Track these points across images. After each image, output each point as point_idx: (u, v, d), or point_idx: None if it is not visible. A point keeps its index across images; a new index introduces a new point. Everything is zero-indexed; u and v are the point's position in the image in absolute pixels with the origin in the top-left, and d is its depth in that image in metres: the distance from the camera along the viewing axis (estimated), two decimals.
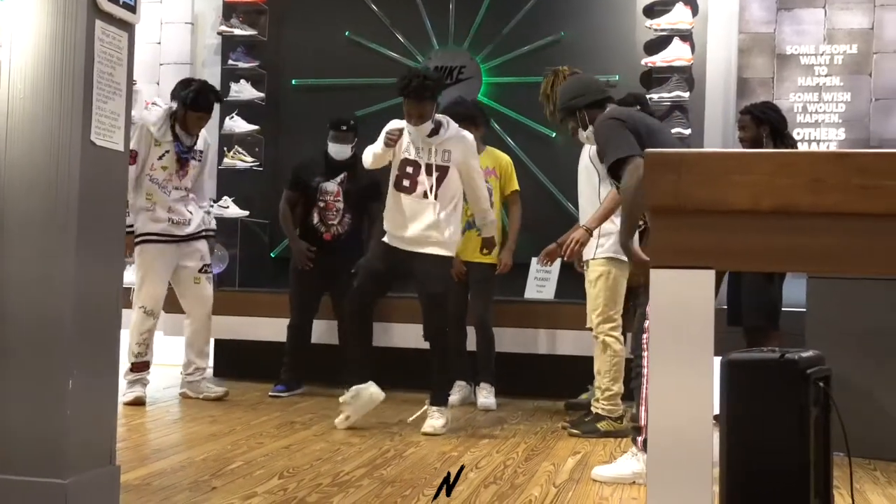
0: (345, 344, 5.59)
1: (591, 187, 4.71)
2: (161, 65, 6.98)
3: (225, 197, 6.59)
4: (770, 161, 1.53)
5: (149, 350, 5.07)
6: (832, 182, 1.48)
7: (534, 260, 5.95)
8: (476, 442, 4.26)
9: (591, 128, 3.93)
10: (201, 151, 5.26)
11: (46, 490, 2.48)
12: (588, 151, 4.61)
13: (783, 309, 4.83)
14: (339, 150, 5.55)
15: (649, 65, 6.07)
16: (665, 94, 5.99)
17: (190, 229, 5.18)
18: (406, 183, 4.59)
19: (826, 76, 5.99)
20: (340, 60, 6.71)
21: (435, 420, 4.46)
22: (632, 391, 3.76)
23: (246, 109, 6.74)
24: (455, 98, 5.14)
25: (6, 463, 2.53)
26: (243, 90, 6.75)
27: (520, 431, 4.58)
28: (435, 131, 4.60)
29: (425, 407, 4.56)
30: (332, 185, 5.59)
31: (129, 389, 4.98)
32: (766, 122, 4.82)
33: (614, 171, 3.55)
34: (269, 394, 5.47)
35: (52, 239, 2.55)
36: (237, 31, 6.75)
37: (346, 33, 6.71)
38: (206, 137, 5.36)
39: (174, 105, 5.15)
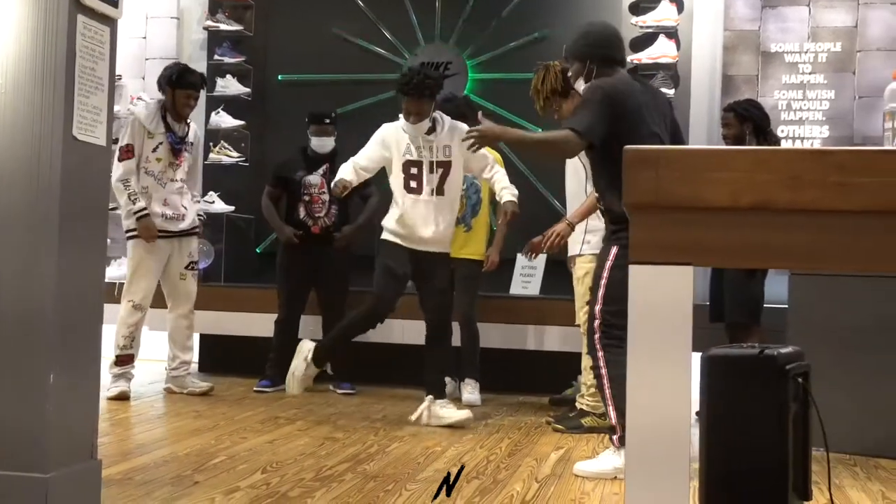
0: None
1: (578, 182, 4.72)
2: (147, 59, 6.96)
3: (210, 192, 6.57)
4: (749, 158, 1.54)
5: (134, 344, 5.07)
6: (810, 179, 1.49)
7: (519, 256, 5.96)
8: (459, 437, 4.27)
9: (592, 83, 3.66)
10: (192, 143, 5.27)
11: (27, 485, 2.47)
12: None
13: (765, 305, 4.86)
14: (321, 144, 5.56)
15: (635, 61, 6.08)
16: None
17: (184, 225, 5.19)
18: (413, 184, 4.62)
19: (810, 74, 6.02)
20: (327, 56, 6.71)
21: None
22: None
23: (232, 105, 6.73)
24: (446, 94, 5.15)
25: None
26: (229, 85, 6.73)
27: (503, 427, 4.59)
28: (432, 129, 4.62)
29: (426, 403, 4.57)
30: (315, 178, 5.59)
31: (113, 384, 4.97)
32: (749, 120, 4.85)
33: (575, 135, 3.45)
34: (254, 389, 5.47)
35: (33, 234, 2.54)
36: (223, 26, 6.73)
37: (333, 29, 6.71)
38: (196, 130, 5.37)
39: (163, 98, 5.16)
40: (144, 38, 6.97)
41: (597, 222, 4.42)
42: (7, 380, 2.54)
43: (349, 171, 4.71)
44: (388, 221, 4.66)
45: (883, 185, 1.48)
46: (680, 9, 6.09)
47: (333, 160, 5.56)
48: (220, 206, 6.54)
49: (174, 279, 5.20)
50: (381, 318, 4.63)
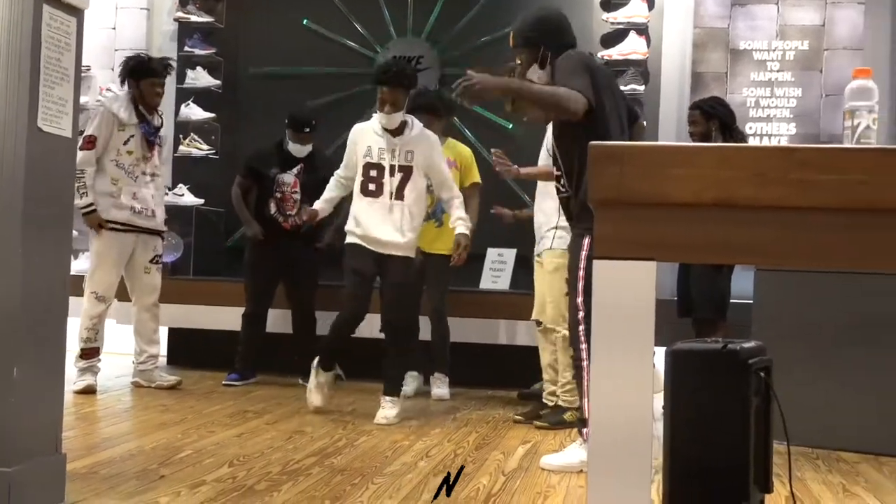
0: (299, 335, 5.59)
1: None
2: (116, 50, 6.88)
3: (180, 185, 6.54)
4: (713, 155, 1.56)
5: (98, 336, 5.02)
6: (773, 176, 1.51)
7: (490, 250, 5.98)
8: (428, 431, 4.28)
9: (547, 69, 3.61)
10: (163, 136, 5.22)
11: None
12: (546, 142, 4.58)
13: (732, 301, 4.90)
14: (298, 149, 5.54)
15: (605, 58, 6.11)
16: (621, 87, 6.02)
17: (154, 224, 5.14)
18: (372, 187, 4.58)
19: (778, 71, 6.08)
20: (298, 49, 6.69)
21: (388, 410, 4.47)
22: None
23: (202, 97, 6.69)
24: (418, 88, 5.15)
25: None
26: (199, 77, 6.69)
27: (472, 421, 4.61)
28: (399, 131, 4.60)
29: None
30: (288, 177, 5.56)
31: (79, 378, 4.93)
32: (715, 117, 4.88)
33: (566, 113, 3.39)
34: (223, 383, 5.45)
35: None
36: (194, 18, 6.69)
37: (304, 21, 6.68)
38: (163, 122, 5.31)
39: (131, 90, 5.09)
40: (114, 28, 6.90)
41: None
42: None
43: (331, 188, 4.75)
44: (349, 223, 4.65)
45: (844, 182, 1.50)
46: (650, 5, 6.13)
47: (310, 161, 5.54)
48: (189, 198, 6.50)
49: (138, 272, 5.15)
50: (359, 317, 4.58)
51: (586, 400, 3.51)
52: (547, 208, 4.65)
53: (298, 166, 5.57)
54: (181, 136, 6.69)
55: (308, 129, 5.50)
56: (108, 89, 6.58)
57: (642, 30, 6.12)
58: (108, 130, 4.96)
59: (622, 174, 1.60)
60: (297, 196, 5.57)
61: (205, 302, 6.02)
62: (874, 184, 1.49)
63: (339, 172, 4.76)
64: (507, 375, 5.67)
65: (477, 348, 5.71)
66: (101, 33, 6.79)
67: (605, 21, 6.14)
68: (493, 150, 4.80)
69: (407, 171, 4.59)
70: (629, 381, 1.57)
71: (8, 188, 2.51)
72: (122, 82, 5.16)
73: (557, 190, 3.69)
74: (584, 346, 3.52)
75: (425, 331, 5.42)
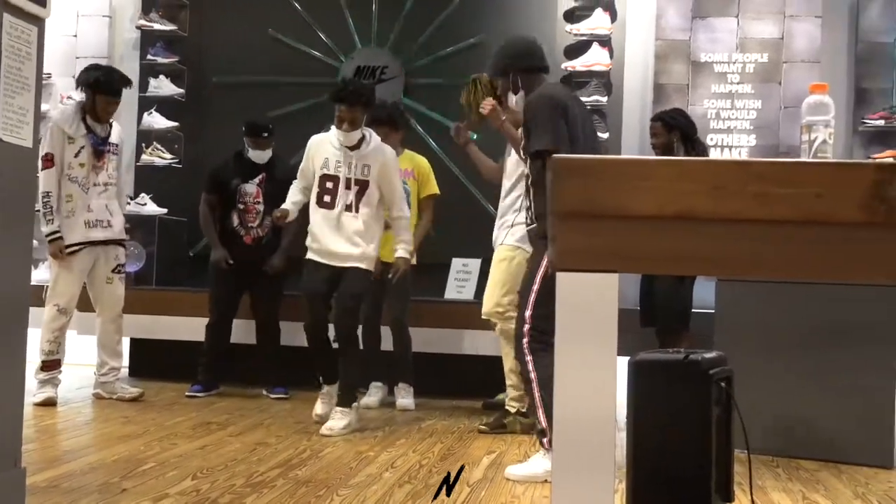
0: (263, 345, 5.57)
1: (512, 182, 4.75)
2: (77, 58, 6.82)
3: (143, 194, 6.49)
4: (673, 168, 1.58)
5: (60, 348, 4.98)
6: (731, 189, 1.53)
7: (454, 260, 5.99)
8: (393, 441, 4.27)
9: (521, 93, 3.74)
10: (116, 144, 5.16)
11: None
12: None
13: (694, 310, 4.96)
14: (258, 156, 5.53)
15: (569, 69, 6.17)
16: (584, 99, 6.07)
17: (111, 234, 5.09)
18: (327, 199, 4.60)
19: (738, 84, 6.17)
20: (262, 58, 6.67)
21: (334, 421, 4.45)
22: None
23: (165, 105, 6.65)
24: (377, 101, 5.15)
25: None
26: (162, 86, 6.65)
27: (437, 431, 4.61)
28: (357, 145, 4.61)
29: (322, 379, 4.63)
30: (251, 187, 5.54)
31: (39, 390, 4.87)
32: (676, 128, 4.94)
33: (536, 154, 3.52)
34: (186, 394, 5.41)
35: None
36: (157, 26, 6.65)
37: (269, 31, 6.67)
38: (121, 132, 5.26)
39: (82, 100, 5.04)
40: (75, 36, 6.85)
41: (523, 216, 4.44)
42: None
43: (294, 193, 4.75)
44: (308, 238, 4.67)
45: (800, 195, 1.53)
46: (613, 18, 6.19)
47: (270, 169, 5.53)
48: (152, 207, 6.45)
49: (100, 284, 5.10)
50: (319, 338, 4.60)
51: (540, 411, 3.54)
52: (504, 207, 4.71)
53: (260, 175, 5.56)
54: (143, 144, 6.64)
55: (266, 134, 5.50)
56: (69, 97, 6.53)
57: (605, 41, 6.18)
58: (60, 145, 4.92)
59: (585, 187, 1.62)
60: (261, 206, 5.55)
61: (168, 312, 5.97)
62: (830, 197, 1.52)
63: (296, 182, 4.77)
64: (471, 385, 5.67)
65: (442, 358, 5.71)
66: (62, 41, 6.73)
67: (569, 32, 6.19)
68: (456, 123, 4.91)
69: (363, 185, 4.61)
70: (593, 392, 1.58)
71: None
72: (78, 87, 5.11)
73: (525, 222, 3.78)
74: (529, 358, 3.55)
75: (388, 341, 5.42)
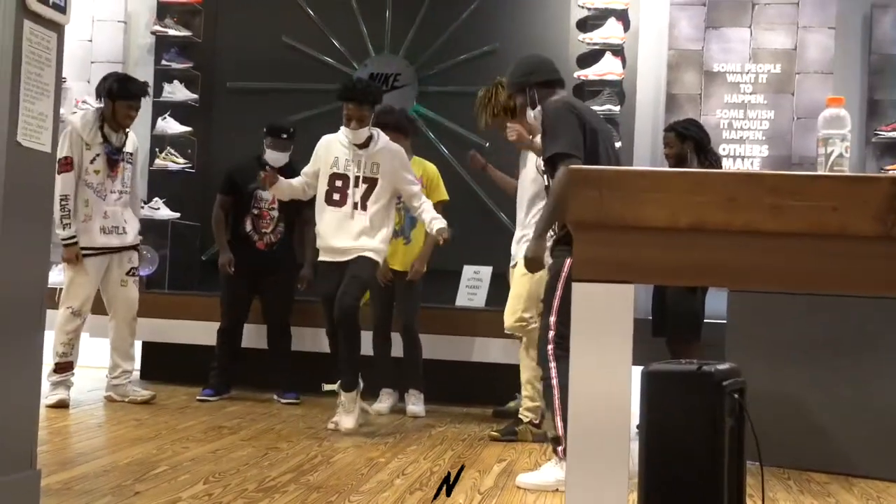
0: (275, 350, 5.59)
1: (536, 191, 4.73)
2: (92, 63, 6.87)
3: (156, 198, 6.52)
4: (687, 180, 1.59)
5: (73, 351, 5.01)
6: (745, 201, 1.54)
7: (465, 268, 6.00)
8: (403, 448, 4.28)
9: (539, 108, 3.80)
10: (131, 154, 5.20)
11: None
12: (536, 161, 4.56)
13: (706, 321, 4.95)
14: (276, 158, 5.51)
15: (581, 78, 6.18)
16: (596, 108, 6.08)
17: (127, 240, 5.13)
18: (336, 197, 4.65)
19: (751, 94, 6.17)
20: (275, 64, 6.70)
21: (344, 418, 4.51)
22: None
23: (179, 111, 6.69)
24: (384, 107, 5.19)
25: None
26: (176, 91, 6.69)
27: (447, 438, 4.62)
28: (365, 144, 4.64)
29: (339, 383, 4.61)
30: (267, 193, 5.56)
31: (52, 392, 4.90)
32: (689, 139, 4.93)
33: (552, 161, 3.55)
34: (197, 398, 5.43)
35: None
36: (171, 32, 6.69)
37: (283, 37, 6.70)
38: (135, 140, 5.30)
39: (101, 107, 5.08)
40: (90, 41, 6.89)
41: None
42: None
43: (298, 180, 4.81)
44: (318, 239, 4.71)
45: (813, 208, 1.54)
46: (626, 27, 6.21)
47: (288, 175, 5.54)
48: (165, 212, 6.49)
49: (114, 286, 5.13)
50: (336, 336, 4.61)
51: (558, 418, 3.53)
52: (523, 221, 4.67)
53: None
54: (157, 149, 6.68)
55: (286, 136, 5.52)
56: (84, 101, 6.58)
57: (618, 51, 6.20)
58: (78, 149, 4.96)
59: (601, 198, 1.63)
60: (275, 213, 5.58)
61: (179, 316, 6.00)
62: (845, 210, 1.53)
63: (304, 170, 4.83)
64: (482, 393, 5.68)
65: (452, 365, 5.72)
66: (77, 45, 6.77)
67: (582, 42, 6.21)
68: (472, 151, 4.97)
69: (371, 183, 4.65)
70: (608, 401, 1.59)
71: None
72: (98, 97, 5.15)
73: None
74: (553, 364, 3.55)
75: (398, 348, 5.43)
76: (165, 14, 6.73)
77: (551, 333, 3.55)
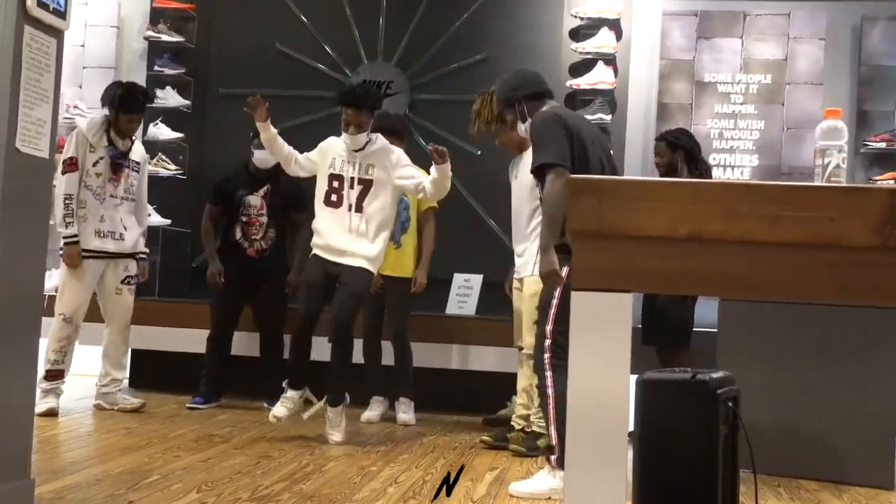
0: (267, 358, 5.57)
1: (533, 203, 4.73)
2: (84, 68, 6.86)
3: (146, 204, 6.49)
4: (686, 190, 1.60)
5: (66, 359, 4.98)
6: (743, 211, 1.56)
7: (456, 276, 6.01)
8: (395, 457, 4.28)
9: (529, 121, 3.83)
10: (138, 163, 5.21)
11: None
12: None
13: (696, 329, 4.97)
14: (263, 158, 5.49)
15: (574, 87, 6.21)
16: (588, 116, 6.11)
17: (125, 247, 5.12)
18: (334, 198, 4.68)
19: (741, 104, 6.21)
20: (268, 71, 6.70)
21: (332, 431, 4.56)
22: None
23: (171, 116, 6.68)
24: (381, 111, 5.19)
25: None
26: (168, 97, 6.68)
27: (438, 446, 4.62)
28: (362, 148, 4.67)
29: (320, 403, 4.63)
30: (255, 199, 5.56)
31: (42, 399, 4.86)
32: (680, 148, 4.96)
33: (540, 172, 3.59)
34: (187, 406, 5.41)
35: None
36: (164, 37, 6.69)
37: (276, 44, 6.70)
38: (143, 150, 5.31)
39: (108, 114, 5.10)
40: (83, 46, 6.87)
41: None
42: None
43: (292, 150, 4.80)
44: (314, 238, 4.73)
45: (810, 219, 1.55)
46: (618, 37, 6.24)
47: (276, 180, 5.54)
48: (156, 218, 6.46)
49: (109, 294, 5.13)
50: (307, 327, 4.60)
51: (552, 427, 3.54)
52: (521, 234, 4.64)
53: (265, 187, 5.58)
54: (149, 155, 6.65)
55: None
56: (75, 107, 6.57)
57: (610, 60, 6.23)
58: (82, 151, 4.97)
59: (600, 207, 1.64)
60: (264, 219, 5.57)
61: (169, 323, 5.99)
62: (843, 221, 1.54)
63: (304, 154, 4.82)
64: (472, 401, 5.69)
65: (443, 373, 5.73)
66: (69, 50, 6.71)
67: (575, 51, 6.23)
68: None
69: (367, 184, 4.67)
70: (606, 408, 1.60)
71: None
72: (103, 105, 5.16)
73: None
74: (549, 373, 3.56)
75: (388, 356, 5.43)
76: (159, 19, 6.72)
77: (547, 342, 3.56)
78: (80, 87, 6.84)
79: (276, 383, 5.51)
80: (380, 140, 4.77)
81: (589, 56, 6.22)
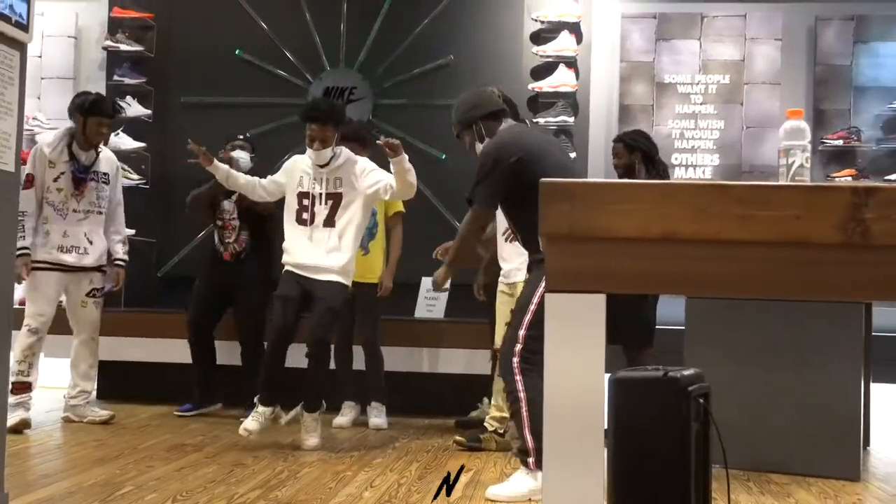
0: (248, 366, 5.54)
1: None
2: (42, 79, 6.79)
3: (121, 213, 6.44)
4: (657, 191, 1.64)
5: (32, 370, 4.92)
6: (713, 211, 1.60)
7: (424, 279, 6.03)
8: (369, 461, 4.29)
9: (487, 140, 3.89)
10: (106, 173, 5.16)
11: None
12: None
13: (662, 326, 5.02)
14: (239, 156, 5.47)
15: (536, 90, 6.26)
16: (551, 119, 6.18)
17: (87, 261, 5.08)
18: (304, 216, 4.69)
19: (701, 104, 6.30)
20: (230, 78, 6.67)
21: (307, 437, 4.59)
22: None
23: (132, 126, 6.62)
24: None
25: None
26: (129, 106, 6.62)
27: (412, 450, 4.64)
28: (328, 163, 4.67)
29: (297, 408, 4.64)
30: (229, 204, 5.55)
31: (11, 413, 4.80)
32: (637, 149, 4.99)
33: (469, 200, 3.80)
34: (175, 413, 5.42)
35: None
36: (123, 47, 6.63)
37: (237, 51, 6.68)
38: (114, 159, 5.27)
39: (72, 126, 5.05)
40: (40, 56, 6.80)
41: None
42: None
43: (252, 178, 4.86)
44: (284, 255, 4.74)
45: (778, 217, 1.60)
46: (579, 40, 6.30)
47: None
48: None
49: (75, 307, 5.10)
50: (282, 343, 4.60)
51: (526, 430, 3.56)
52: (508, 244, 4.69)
53: (237, 192, 5.56)
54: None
55: (241, 137, 5.60)
56: (34, 118, 6.50)
57: (571, 63, 6.29)
58: (41, 167, 4.94)
59: (572, 210, 1.67)
60: (237, 223, 5.57)
61: (136, 334, 5.95)
62: (808, 219, 1.59)
63: (269, 177, 4.85)
64: (443, 403, 5.70)
65: (413, 377, 5.74)
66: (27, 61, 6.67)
67: (536, 54, 6.29)
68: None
69: (336, 198, 4.67)
70: (582, 408, 1.63)
71: None
72: (70, 116, 5.11)
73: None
74: (518, 377, 3.58)
75: (359, 361, 5.44)
76: (117, 29, 6.66)
77: (518, 346, 3.59)
78: (39, 98, 6.77)
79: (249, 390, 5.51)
80: (344, 153, 4.78)
81: (550, 59, 6.28)
